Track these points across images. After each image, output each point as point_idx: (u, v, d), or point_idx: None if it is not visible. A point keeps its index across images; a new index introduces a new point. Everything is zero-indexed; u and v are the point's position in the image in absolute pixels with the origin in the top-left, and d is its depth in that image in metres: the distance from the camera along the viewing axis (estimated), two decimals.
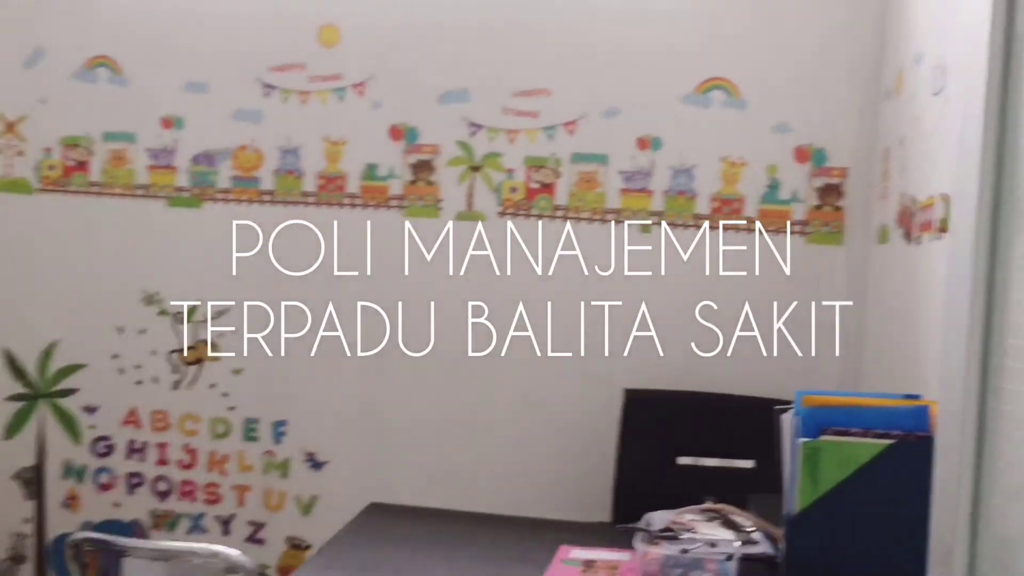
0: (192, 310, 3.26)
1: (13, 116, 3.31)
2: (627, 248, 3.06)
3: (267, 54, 3.18)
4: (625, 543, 2.08)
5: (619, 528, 2.21)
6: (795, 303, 3.00)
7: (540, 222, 3.11)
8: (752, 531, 2.11)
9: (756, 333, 3.00)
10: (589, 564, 2.11)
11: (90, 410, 3.33)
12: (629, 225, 3.07)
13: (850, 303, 2.94)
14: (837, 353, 2.97)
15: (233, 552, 1.93)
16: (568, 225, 3.08)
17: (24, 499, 3.37)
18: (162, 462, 3.31)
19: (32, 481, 3.37)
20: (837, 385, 2.96)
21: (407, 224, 3.14)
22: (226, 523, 3.29)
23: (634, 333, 3.06)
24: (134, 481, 3.33)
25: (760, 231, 3.01)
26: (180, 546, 1.97)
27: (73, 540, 1.96)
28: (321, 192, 3.19)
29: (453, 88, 3.11)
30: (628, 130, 3.06)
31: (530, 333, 3.10)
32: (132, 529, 3.33)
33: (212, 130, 3.22)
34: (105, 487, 3.34)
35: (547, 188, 3.10)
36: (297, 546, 3.26)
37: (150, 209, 3.26)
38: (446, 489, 3.09)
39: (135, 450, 3.32)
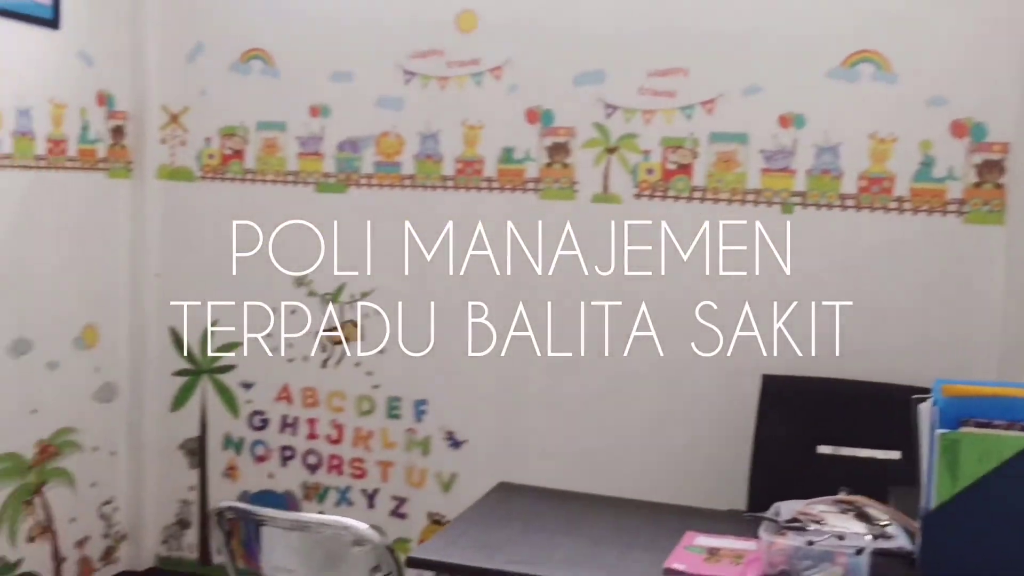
0: (338, 291, 3.38)
1: (177, 108, 3.52)
2: (764, 230, 2.97)
3: (408, 42, 3.25)
4: (753, 532, 2.03)
5: (746, 516, 2.16)
6: (951, 286, 2.84)
7: (677, 203, 3.05)
8: (887, 525, 2.01)
9: (905, 318, 2.86)
10: (713, 551, 2.07)
11: (246, 386, 3.52)
12: (770, 205, 2.98)
13: (1011, 286, 2.76)
14: (996, 340, 2.79)
15: (362, 526, 2.00)
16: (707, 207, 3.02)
17: (189, 468, 3.60)
18: (312, 436, 3.46)
19: (196, 452, 3.59)
20: (997, 375, 2.78)
21: (543, 207, 3.15)
22: (371, 497, 3.41)
23: (777, 319, 2.97)
24: (287, 454, 3.49)
25: (913, 211, 2.86)
26: (313, 517, 2.07)
27: (218, 508, 2.08)
28: (459, 176, 3.24)
29: (588, 69, 3.09)
30: (769, 107, 2.97)
31: (666, 317, 3.06)
32: (285, 499, 3.51)
33: (356, 117, 3.33)
34: (261, 459, 3.52)
35: (684, 169, 3.05)
36: (437, 521, 3.35)
37: (300, 194, 3.41)
38: (579, 471, 3.10)
39: (287, 424, 3.49)
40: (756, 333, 2.99)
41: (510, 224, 3.19)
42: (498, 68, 3.18)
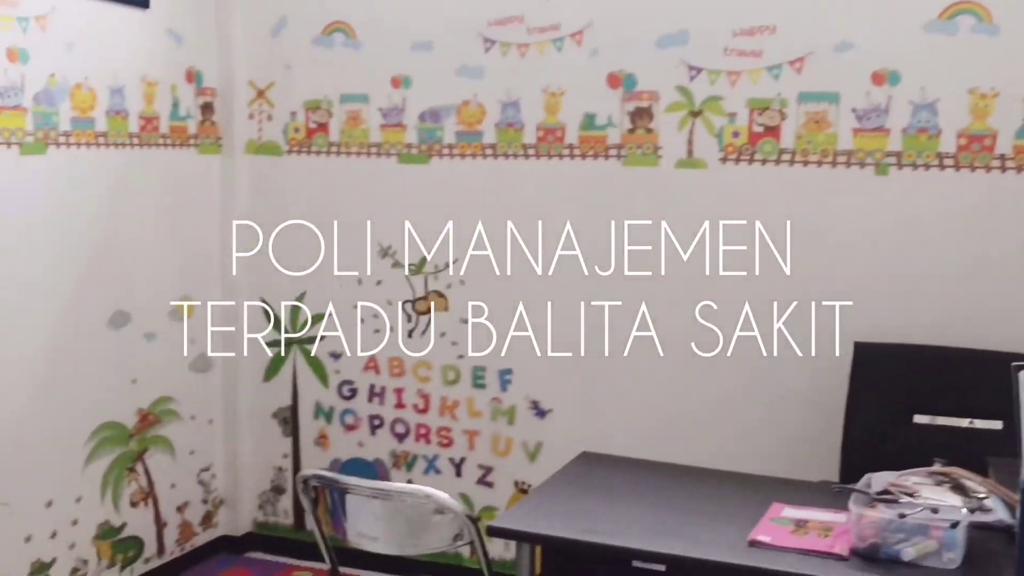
0: (422, 262, 3.40)
1: (263, 83, 3.57)
2: (859, 193, 2.87)
3: (487, 9, 3.22)
4: (843, 504, 1.98)
5: (834, 488, 2.10)
6: None
7: (764, 167, 2.97)
8: (985, 498, 1.93)
9: (1008, 281, 2.73)
10: (801, 523, 2.02)
11: (335, 356, 3.57)
12: (863, 167, 2.87)
13: None
14: None
15: (443, 495, 2.01)
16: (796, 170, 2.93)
17: (282, 436, 3.69)
18: (399, 406, 3.50)
19: (288, 420, 3.68)
20: None
21: (626, 173, 3.10)
22: (458, 466, 3.44)
23: (870, 283, 2.88)
24: (375, 423, 3.55)
25: (1016, 169, 2.72)
26: (395, 486, 2.09)
27: (303, 476, 2.12)
28: (541, 144, 3.21)
29: (671, 31, 3.02)
30: (862, 64, 2.85)
31: (754, 282, 2.99)
32: (375, 467, 3.56)
33: (437, 87, 3.32)
34: (350, 428, 3.59)
35: (772, 131, 2.96)
36: (524, 490, 3.36)
37: (383, 166, 3.43)
38: (663, 440, 3.06)
39: (375, 394, 3.53)
40: (850, 302, 2.90)
41: (592, 189, 3.15)
42: (579, 33, 3.13)
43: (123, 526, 3.30)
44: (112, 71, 3.13)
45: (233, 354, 3.67)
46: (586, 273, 3.17)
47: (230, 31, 3.54)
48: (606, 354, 3.18)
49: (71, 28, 2.97)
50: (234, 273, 3.63)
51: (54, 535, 3.04)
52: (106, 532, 3.24)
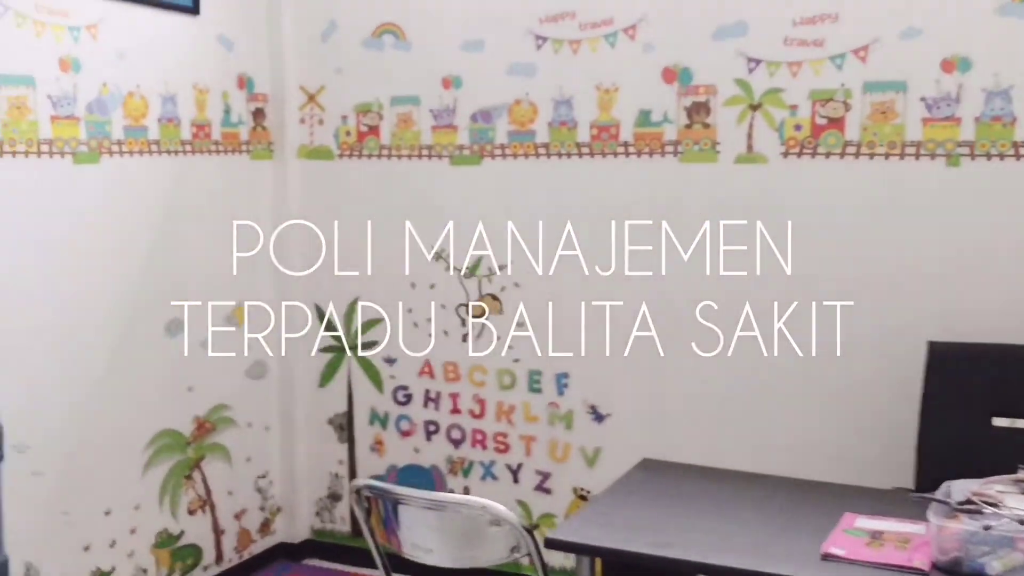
0: (476, 265, 3.35)
1: (313, 87, 3.55)
2: (927, 184, 2.75)
3: (538, 5, 3.16)
4: (921, 514, 1.87)
5: (912, 497, 2.00)
6: None
7: (828, 161, 2.86)
8: None
9: None
10: (876, 535, 1.92)
11: (390, 361, 3.54)
12: (934, 159, 2.74)
13: None
14: None
15: (499, 507, 1.95)
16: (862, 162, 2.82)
17: (338, 442, 3.66)
18: (455, 411, 3.45)
19: (344, 426, 3.65)
20: None
21: (684, 170, 3.01)
22: (515, 472, 3.38)
23: (943, 280, 2.75)
24: (431, 428, 3.50)
25: None
26: (450, 497, 2.03)
27: (355, 486, 2.07)
28: (595, 142, 3.13)
29: (728, 22, 2.92)
30: (930, 51, 2.72)
31: (816, 281, 2.88)
32: (431, 474, 3.52)
33: (488, 87, 3.26)
34: (406, 433, 3.54)
35: (836, 123, 2.84)
36: (583, 497, 3.28)
37: (435, 168, 3.38)
38: (728, 446, 2.97)
39: (430, 399, 3.49)
40: (924, 299, 2.77)
41: (650, 188, 3.06)
42: (632, 27, 3.04)
43: (181, 534, 3.30)
44: (164, 79, 3.13)
45: (288, 360, 3.65)
46: (645, 273, 3.09)
47: (280, 36, 3.53)
48: (665, 356, 3.09)
49: (122, 36, 2.97)
50: (288, 279, 3.62)
51: (113, 544, 3.05)
52: (165, 540, 3.23)
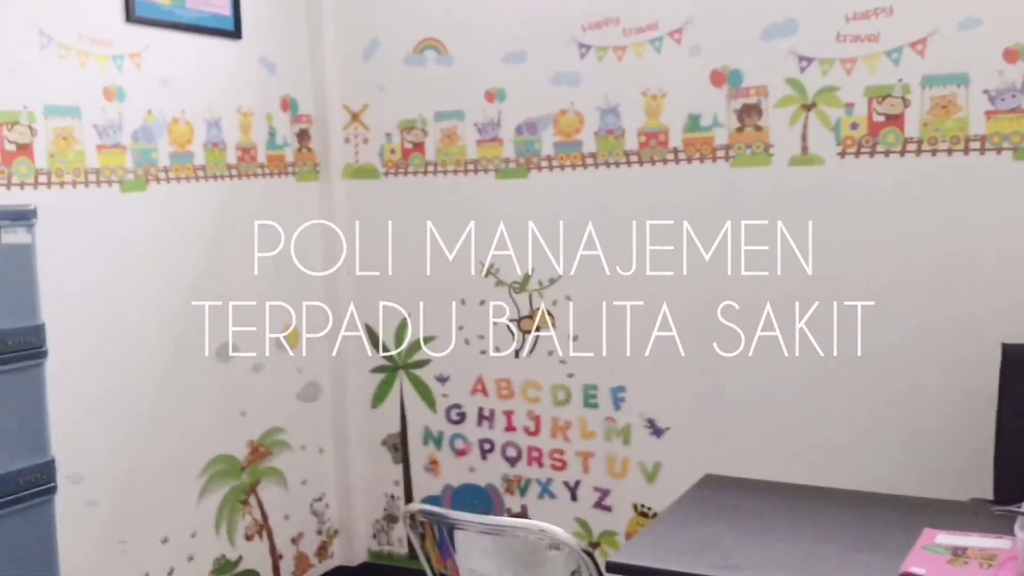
0: (526, 279, 3.29)
1: (357, 106, 3.53)
2: (994, 179, 2.63)
3: (581, 13, 3.10)
4: (1006, 529, 1.77)
5: (996, 511, 1.88)
6: None
7: (888, 159, 2.75)
8: None
9: None
10: (959, 552, 1.81)
11: (442, 379, 3.49)
12: (1000, 152, 2.63)
13: None
14: None
15: (558, 530, 1.88)
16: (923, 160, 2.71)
17: (393, 463, 3.62)
18: (510, 428, 3.39)
19: (398, 447, 3.61)
20: None
21: (737, 174, 2.93)
22: (573, 489, 3.30)
23: (1014, 279, 2.63)
24: (485, 447, 3.44)
25: None
26: (507, 521, 1.97)
27: (409, 511, 2.02)
28: (643, 150, 3.06)
29: (777, 20, 2.83)
30: (991, 41, 2.61)
31: (883, 286, 2.77)
32: (488, 493, 3.46)
33: (533, 98, 3.21)
34: (461, 453, 3.49)
35: (895, 120, 2.74)
36: (644, 513, 3.20)
37: (481, 183, 3.33)
38: (795, 460, 2.86)
39: (484, 417, 3.43)
40: (994, 299, 2.65)
41: (700, 194, 2.98)
42: (678, 31, 2.97)
43: (239, 560, 3.28)
44: (208, 104, 3.13)
45: (340, 382, 3.63)
46: (700, 281, 3.00)
47: (323, 57, 3.52)
48: (725, 367, 3.00)
49: (165, 63, 2.98)
50: (338, 299, 3.59)
51: (171, 572, 3.03)
52: (223, 567, 3.22)
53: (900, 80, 2.72)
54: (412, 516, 2.02)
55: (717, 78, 2.93)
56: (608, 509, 3.26)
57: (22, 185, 2.58)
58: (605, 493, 3.26)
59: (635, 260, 3.09)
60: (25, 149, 2.59)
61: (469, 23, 3.30)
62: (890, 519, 2.01)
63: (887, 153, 2.75)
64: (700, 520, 2.08)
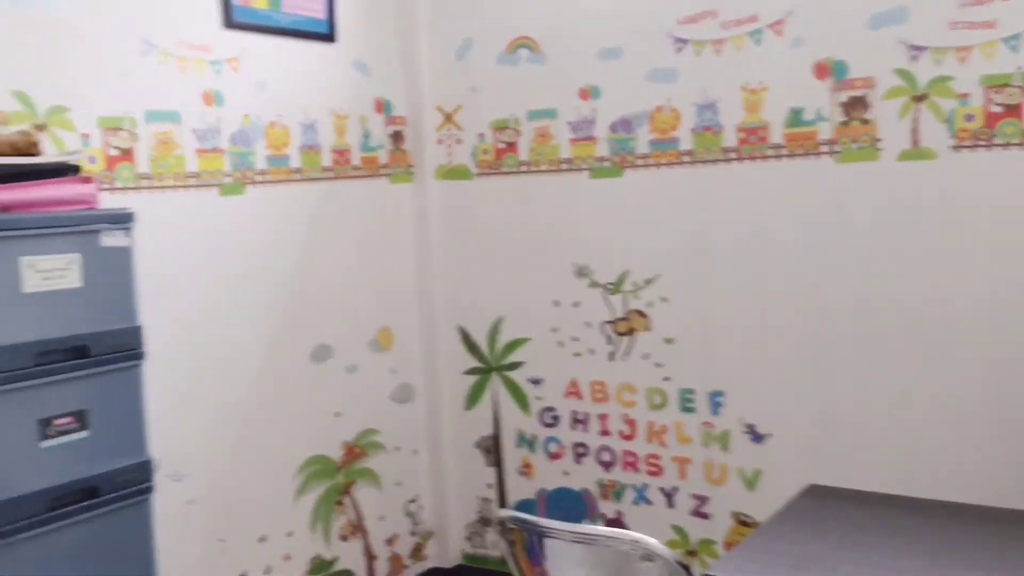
0: (621, 280, 3.22)
1: (450, 107, 3.52)
2: None
3: (677, 7, 3.02)
4: None
5: None
6: None
7: (1007, 152, 2.59)
8: None
9: None
10: None
11: (535, 382, 3.45)
12: None
13: None
14: None
15: (652, 541, 1.82)
16: None
17: (486, 466, 3.60)
18: (604, 432, 3.33)
19: (491, 449, 3.58)
20: None
21: (842, 170, 2.80)
22: (669, 495, 3.22)
23: None
24: (580, 451, 3.38)
25: None
26: (598, 530, 1.91)
27: (500, 517, 1.98)
28: (742, 146, 2.96)
29: (885, 8, 2.70)
30: None
31: (1005, 287, 2.61)
32: (582, 497, 3.40)
33: (628, 95, 3.14)
34: (554, 456, 3.44)
35: (1013, 111, 2.58)
36: (744, 522, 3.09)
37: (574, 182, 3.28)
38: (905, 470, 2.72)
39: (578, 420, 3.37)
40: None
41: (804, 192, 2.87)
42: (779, 22, 2.86)
43: (334, 560, 3.30)
44: (303, 107, 3.16)
45: (434, 383, 3.62)
46: (804, 282, 2.89)
47: (416, 58, 3.52)
48: (831, 372, 2.87)
49: (262, 68, 3.01)
50: (432, 301, 3.59)
51: (268, 570, 3.07)
52: (318, 566, 3.24)
53: (1019, 68, 2.56)
54: (503, 522, 1.99)
55: (821, 70, 2.81)
56: (706, 517, 3.16)
57: (124, 189, 2.64)
58: (703, 500, 3.16)
59: (734, 260, 3.00)
60: (127, 154, 2.65)
61: (563, 20, 3.25)
62: (1012, 535, 1.88)
63: (1006, 146, 2.59)
64: (804, 533, 1.98)
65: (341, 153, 3.30)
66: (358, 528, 3.39)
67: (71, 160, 2.20)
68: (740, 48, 2.93)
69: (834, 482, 2.34)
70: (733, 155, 2.98)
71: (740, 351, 3.02)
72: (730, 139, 2.97)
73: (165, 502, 2.58)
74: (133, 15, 2.66)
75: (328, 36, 3.24)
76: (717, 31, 2.96)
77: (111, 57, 2.61)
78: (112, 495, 2.06)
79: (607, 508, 3.35)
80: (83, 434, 2.01)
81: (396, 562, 3.54)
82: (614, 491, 3.33)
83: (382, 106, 3.46)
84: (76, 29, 2.52)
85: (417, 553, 3.63)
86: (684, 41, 3.02)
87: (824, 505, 2.14)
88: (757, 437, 3.03)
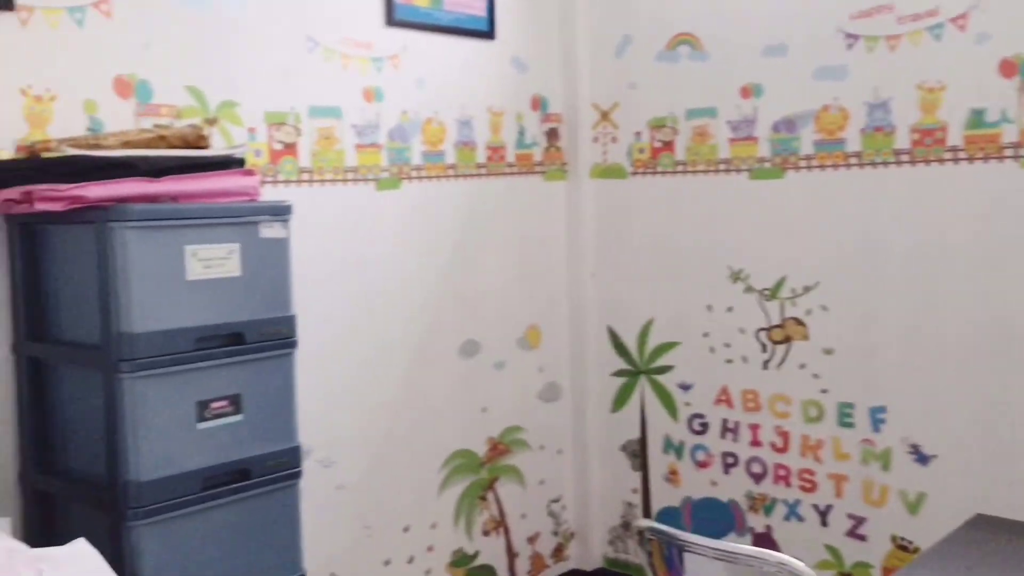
0: (778, 286, 3.09)
1: (607, 105, 3.47)
2: None
3: (849, 1, 2.87)
4: None
5: None
6: None
7: None
8: None
9: None
10: None
11: (684, 387, 3.36)
12: None
13: None
14: None
15: (800, 565, 1.72)
16: None
17: (631, 470, 3.54)
18: (755, 443, 3.21)
19: (637, 454, 3.52)
20: None
21: None
22: (823, 514, 3.07)
23: None
24: (728, 461, 3.28)
25: None
26: (741, 549, 1.83)
27: (638, 527, 1.93)
28: (916, 148, 2.78)
29: None
30: None
31: None
32: (730, 509, 3.29)
33: (792, 94, 3.01)
34: (702, 465, 3.35)
35: None
36: (904, 547, 2.92)
37: (733, 183, 3.17)
38: None
39: (728, 429, 3.27)
40: None
41: (985, 199, 2.67)
42: (962, 16, 2.68)
43: (476, 554, 3.32)
44: (460, 104, 3.18)
45: (581, 383, 3.59)
46: (980, 293, 2.69)
47: (574, 55, 3.49)
48: (1008, 392, 2.67)
49: (421, 65, 3.05)
50: (581, 300, 3.56)
51: (411, 560, 3.11)
52: (460, 560, 3.26)
53: None
54: (641, 532, 1.93)
55: (1007, 68, 2.61)
56: (863, 539, 3.00)
57: (287, 182, 2.73)
58: (860, 521, 3.00)
59: (902, 268, 2.83)
60: (290, 148, 2.74)
61: (726, 16, 3.15)
62: None
63: None
64: (971, 565, 1.84)
65: (496, 150, 3.31)
66: (500, 524, 3.40)
67: (236, 153, 2.28)
68: (917, 44, 2.76)
69: (1004, 512, 2.16)
70: (906, 158, 2.80)
71: (905, 365, 2.85)
72: (903, 141, 2.80)
73: (315, 487, 2.66)
74: (300, 14, 2.74)
75: (487, 33, 3.25)
76: (892, 26, 2.80)
77: (278, 54, 2.70)
78: (262, 478, 2.13)
79: (755, 522, 3.23)
80: (237, 418, 2.08)
81: (537, 561, 3.53)
82: (764, 505, 3.20)
83: (538, 103, 3.45)
84: (246, 27, 2.62)
85: (558, 553, 3.61)
86: (855, 37, 2.87)
87: (993, 537, 1.98)
88: (921, 458, 2.85)
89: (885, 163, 2.84)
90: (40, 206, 1.96)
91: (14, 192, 2.02)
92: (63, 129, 2.25)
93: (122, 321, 1.93)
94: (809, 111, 2.98)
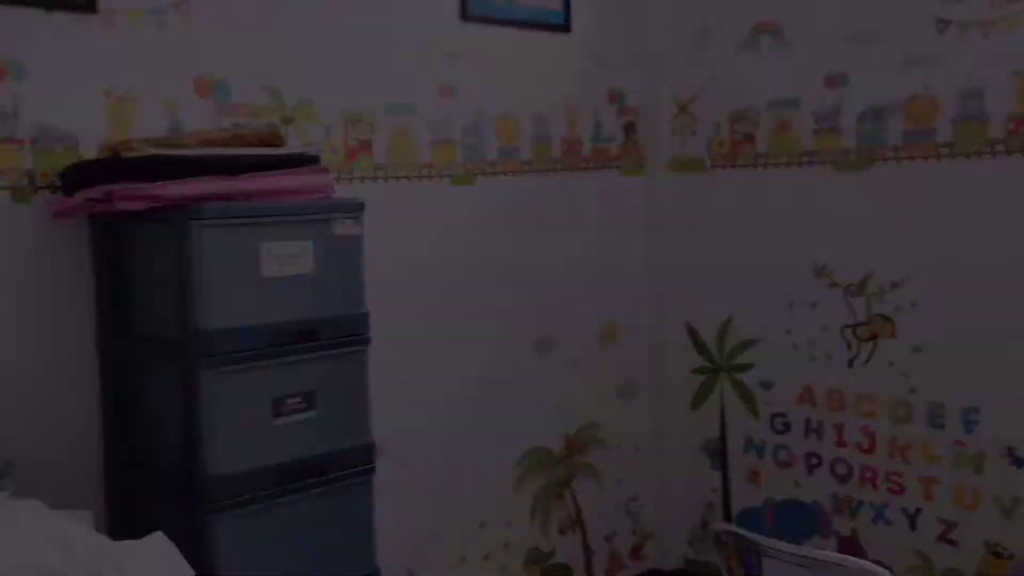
0: (864, 282, 2.99)
1: (685, 98, 3.40)
2: None
3: None
4: None
5: None
6: None
7: None
8: None
9: None
10: None
11: (766, 385, 3.28)
12: None
13: None
14: None
15: (881, 572, 1.65)
16: None
17: (711, 469, 3.47)
18: (840, 443, 3.11)
19: (717, 453, 3.44)
20: None
21: None
22: (912, 517, 2.96)
23: None
24: (812, 461, 3.18)
25: None
26: (821, 555, 1.76)
27: (715, 529, 1.88)
28: (1011, 138, 2.66)
29: None
30: None
31: None
32: (814, 511, 3.20)
33: (879, 82, 2.90)
34: (784, 465, 3.26)
35: None
36: (998, 554, 2.80)
37: (816, 176, 3.07)
38: None
39: (811, 429, 3.17)
40: None
41: None
42: None
43: (552, 552, 3.29)
44: (536, 98, 3.15)
45: (659, 381, 3.53)
46: None
47: (652, 47, 3.43)
48: None
49: (496, 60, 3.03)
50: (660, 296, 3.50)
51: (487, 557, 3.11)
52: (536, 557, 3.24)
53: None
54: (718, 535, 1.88)
55: None
56: (954, 544, 2.88)
57: (362, 179, 2.74)
58: (951, 526, 2.89)
59: (998, 264, 2.70)
60: (366, 145, 2.75)
61: (809, 4, 3.05)
62: None
63: None
64: None
65: (571, 144, 3.27)
66: (577, 523, 3.36)
67: (311, 151, 2.30)
68: (1014, 29, 2.64)
69: None
70: (1001, 147, 2.68)
71: (1000, 365, 2.73)
72: (998, 130, 2.68)
73: (390, 483, 2.66)
74: (377, 11, 2.74)
75: (564, 27, 3.22)
76: (986, 10, 2.68)
77: (355, 52, 2.71)
78: (337, 474, 2.14)
79: (841, 525, 3.13)
80: (311, 414, 2.09)
81: (615, 560, 3.49)
82: (850, 507, 3.11)
83: (615, 96, 3.40)
84: (323, 25, 2.63)
85: (636, 553, 3.56)
86: (947, 22, 2.75)
87: None
88: (1018, 462, 2.73)
89: (979, 153, 2.72)
90: (121, 205, 2.00)
91: (96, 192, 2.07)
92: (145, 129, 2.30)
93: (199, 318, 1.95)
94: (897, 100, 2.87)
